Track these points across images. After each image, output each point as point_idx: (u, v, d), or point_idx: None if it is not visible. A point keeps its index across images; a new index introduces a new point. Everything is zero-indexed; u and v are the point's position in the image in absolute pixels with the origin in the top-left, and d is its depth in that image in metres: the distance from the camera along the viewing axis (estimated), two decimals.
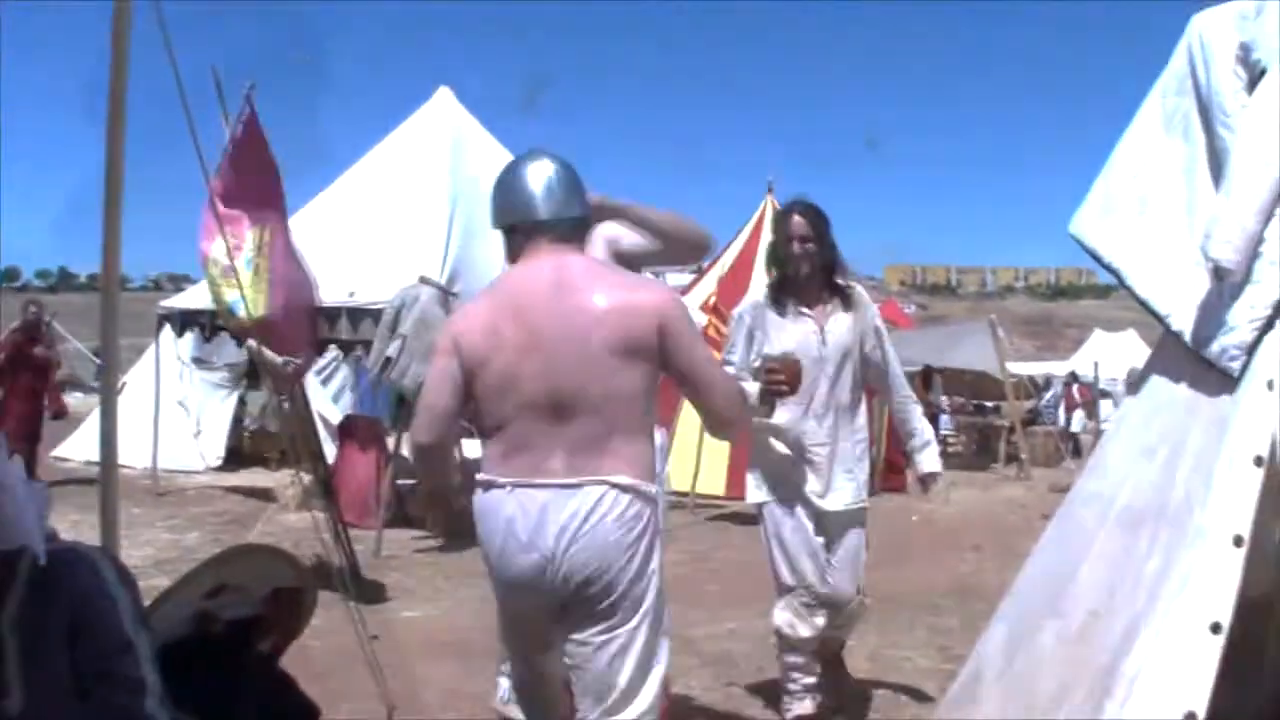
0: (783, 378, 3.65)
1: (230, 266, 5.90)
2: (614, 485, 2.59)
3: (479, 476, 2.72)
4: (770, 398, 3.70)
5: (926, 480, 4.25)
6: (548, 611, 2.70)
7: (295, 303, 6.48)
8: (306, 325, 6.90)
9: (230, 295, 6.08)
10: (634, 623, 2.65)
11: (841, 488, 4.04)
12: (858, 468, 4.11)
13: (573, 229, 2.80)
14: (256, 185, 6.22)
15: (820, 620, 4.03)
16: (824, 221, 4.06)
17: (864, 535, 4.14)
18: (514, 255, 2.84)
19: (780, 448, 4.02)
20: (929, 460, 4.21)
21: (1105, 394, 19.35)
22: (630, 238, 3.28)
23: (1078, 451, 17.21)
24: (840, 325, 4.04)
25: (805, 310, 4.05)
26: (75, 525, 5.79)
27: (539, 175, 2.81)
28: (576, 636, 2.66)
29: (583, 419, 2.60)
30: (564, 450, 2.60)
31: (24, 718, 1.50)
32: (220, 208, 5.82)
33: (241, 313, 6.03)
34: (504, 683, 2.94)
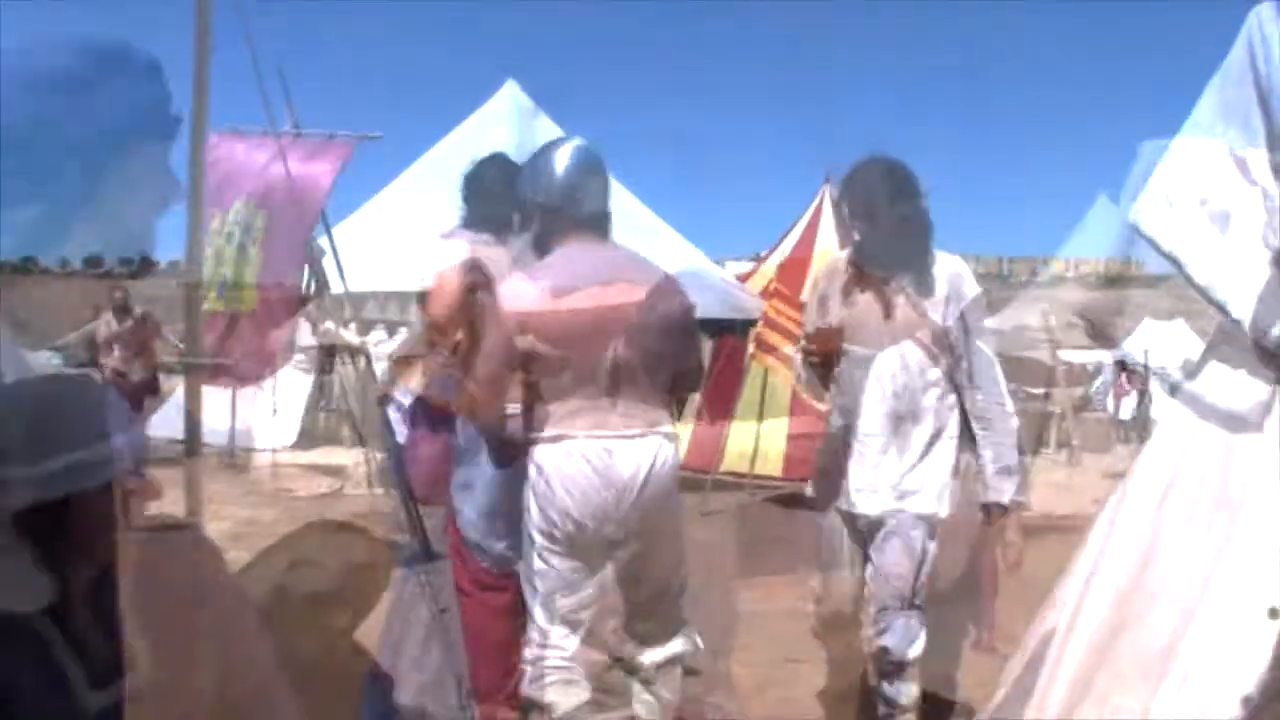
0: (814, 346, 3.57)
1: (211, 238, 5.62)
2: (663, 435, 3.16)
3: (545, 434, 3.09)
4: (808, 369, 3.62)
5: (991, 510, 3.49)
6: (611, 541, 3.12)
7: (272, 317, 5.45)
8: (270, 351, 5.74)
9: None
10: (678, 534, 3.26)
11: (887, 489, 3.41)
12: (923, 470, 3.43)
13: (607, 220, 3.24)
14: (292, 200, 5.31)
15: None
16: (901, 183, 3.47)
17: (917, 548, 3.40)
18: (544, 234, 3.19)
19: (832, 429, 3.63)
20: (998, 487, 3.43)
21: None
22: None
23: (1128, 438, 17.02)
24: (913, 301, 3.43)
25: (878, 280, 3.46)
26: (159, 502, 5.94)
27: (583, 166, 3.20)
28: (635, 551, 3.12)
29: (634, 383, 3.10)
30: (621, 409, 3.09)
31: (145, 690, 1.50)
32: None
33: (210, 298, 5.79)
34: (528, 670, 3.13)
